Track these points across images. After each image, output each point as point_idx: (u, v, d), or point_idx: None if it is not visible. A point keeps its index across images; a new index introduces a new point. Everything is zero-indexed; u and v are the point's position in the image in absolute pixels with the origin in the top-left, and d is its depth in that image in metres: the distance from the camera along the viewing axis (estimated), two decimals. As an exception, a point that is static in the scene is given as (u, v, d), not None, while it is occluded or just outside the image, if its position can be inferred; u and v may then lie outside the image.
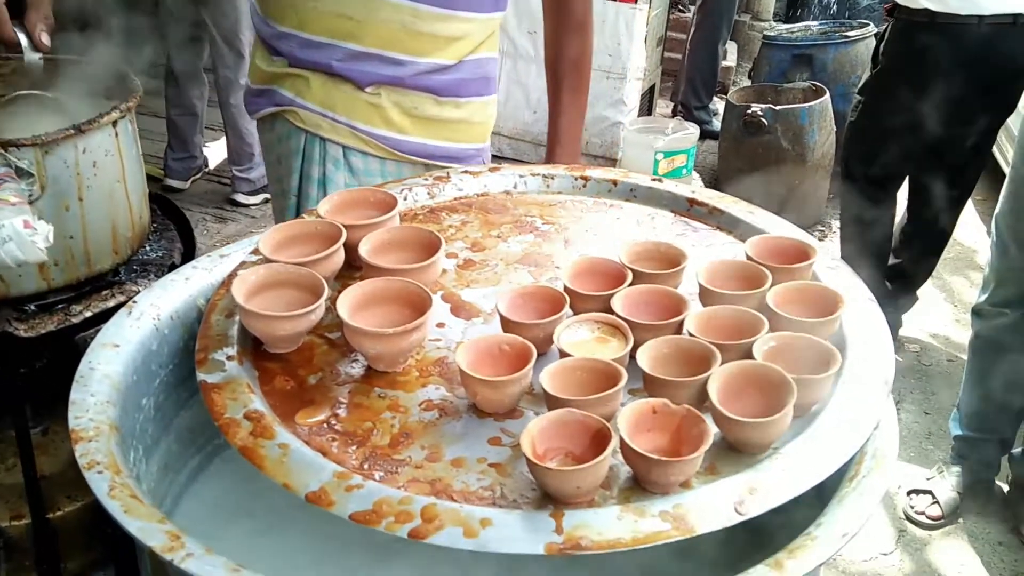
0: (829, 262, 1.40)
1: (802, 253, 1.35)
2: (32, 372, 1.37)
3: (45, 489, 1.45)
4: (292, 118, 1.87)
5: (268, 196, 5.15)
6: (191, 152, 4.95)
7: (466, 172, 1.61)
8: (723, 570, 1.13)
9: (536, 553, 0.90)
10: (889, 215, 3.96)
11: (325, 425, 1.08)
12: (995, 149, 4.80)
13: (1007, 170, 3.08)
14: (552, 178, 1.61)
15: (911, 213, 3.96)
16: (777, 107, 5.15)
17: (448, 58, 1.87)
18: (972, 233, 5.28)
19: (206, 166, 5.25)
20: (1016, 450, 3.21)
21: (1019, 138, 2.95)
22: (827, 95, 5.23)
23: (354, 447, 1.04)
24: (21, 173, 1.16)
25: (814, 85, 5.45)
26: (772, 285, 1.26)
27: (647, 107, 5.95)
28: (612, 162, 5.45)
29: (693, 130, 5.20)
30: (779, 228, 1.48)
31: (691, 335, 1.17)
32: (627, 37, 5.14)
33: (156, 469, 1.20)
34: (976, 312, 3.11)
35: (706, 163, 5.97)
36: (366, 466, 1.01)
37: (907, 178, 3.90)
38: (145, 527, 0.87)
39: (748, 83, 6.51)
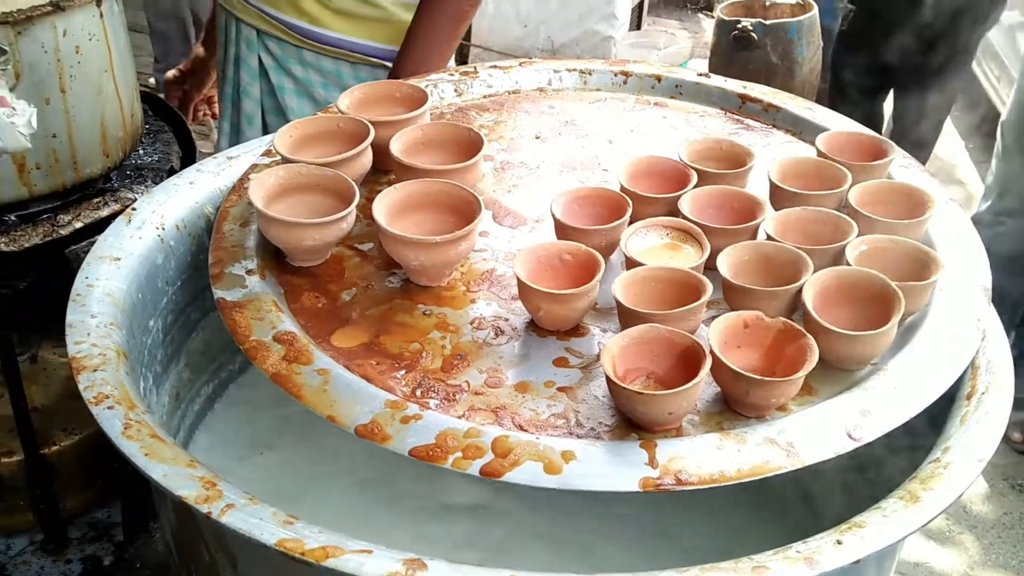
0: (902, 160, 1.27)
1: (879, 150, 1.22)
2: (15, 292, 1.21)
3: (38, 422, 1.30)
4: None
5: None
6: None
7: (495, 67, 1.45)
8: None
9: (629, 490, 0.78)
10: (877, 125, 3.92)
11: (366, 347, 0.94)
12: (986, 84, 4.86)
13: (1001, 110, 3.04)
14: (590, 73, 1.45)
15: (896, 123, 3.94)
16: (766, 22, 5.01)
17: None
18: (951, 148, 5.23)
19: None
20: None
21: None
22: (815, 9, 5.10)
23: (402, 372, 0.91)
24: (-4, 53, 0.98)
25: (802, 0, 5.31)
26: (851, 185, 1.13)
27: (636, 22, 5.77)
28: (605, 76, 5.24)
29: (685, 44, 5.03)
30: (842, 125, 1.34)
31: (771, 239, 1.04)
32: (618, -51, 4.93)
33: (168, 400, 1.06)
34: (975, 221, 3.03)
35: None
36: (418, 393, 0.88)
37: (892, 90, 3.85)
38: (172, 472, 0.73)
39: (737, -2, 6.31)
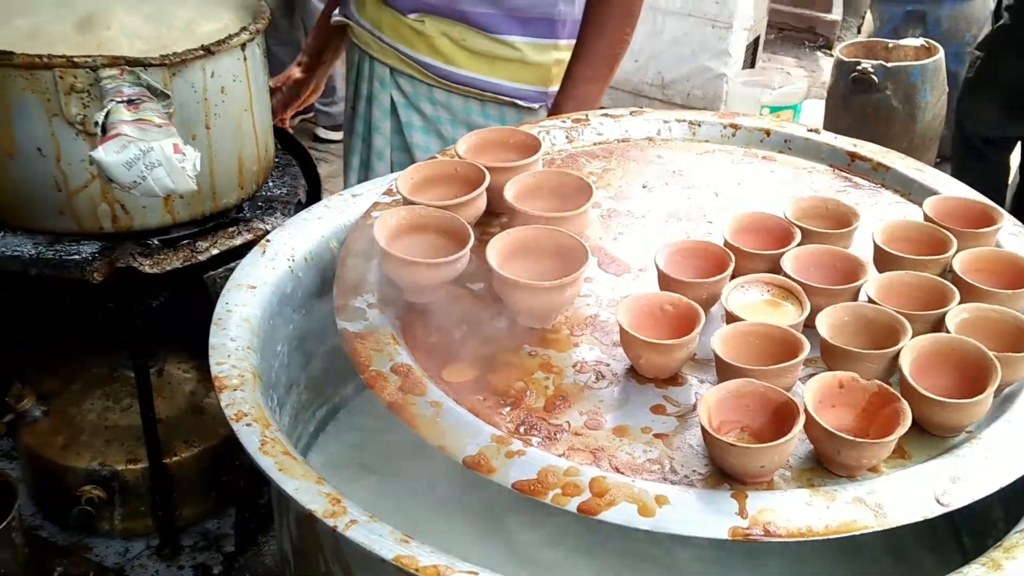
0: (1011, 228, 1.27)
1: (987, 217, 1.22)
2: (149, 310, 1.32)
3: (161, 433, 1.40)
4: (352, 32, 1.90)
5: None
6: None
7: (606, 115, 1.50)
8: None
9: (719, 537, 0.82)
10: (1003, 178, 3.78)
11: (475, 383, 1.00)
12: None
13: None
14: (699, 125, 1.49)
15: (1023, 177, 3.79)
16: (888, 64, 4.90)
17: None
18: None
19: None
20: None
21: None
22: (941, 53, 4.95)
23: (507, 408, 0.96)
24: (156, 93, 1.09)
25: (927, 43, 5.17)
26: (956, 251, 1.13)
27: (750, 60, 5.73)
28: (713, 115, 5.24)
29: (800, 84, 4.97)
30: (951, 188, 1.35)
31: (872, 302, 1.06)
32: (734, -14, 4.93)
33: (287, 420, 1.14)
34: None
35: (809, 120, 5.73)
36: (522, 430, 0.93)
37: (1021, 142, 3.73)
38: (302, 488, 0.80)
39: (856, 39, 6.21)
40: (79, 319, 1.47)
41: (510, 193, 1.19)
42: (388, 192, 1.29)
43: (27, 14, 1.31)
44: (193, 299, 1.26)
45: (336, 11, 1.95)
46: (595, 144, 1.47)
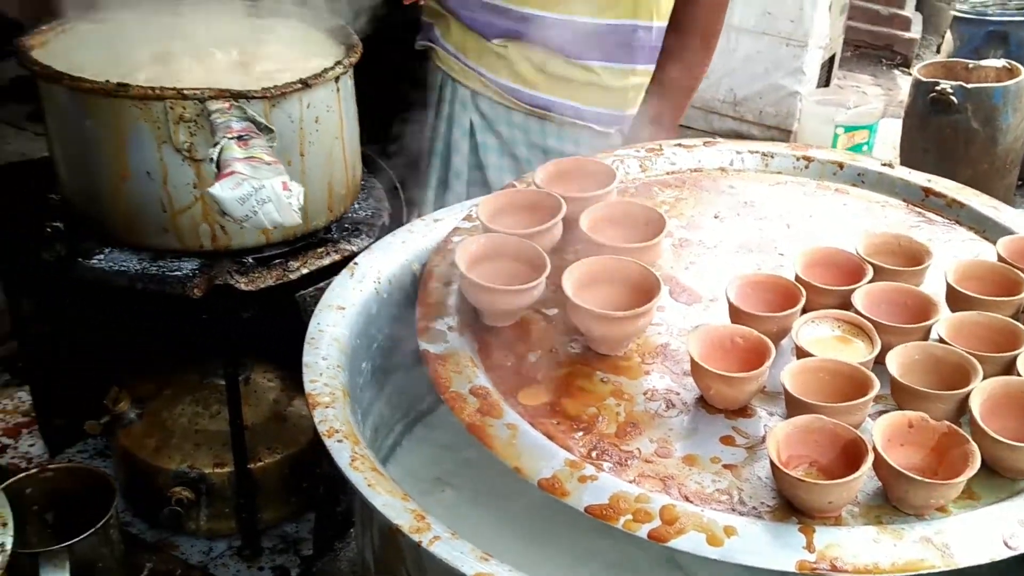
0: (1089, 268, 1.26)
1: (1064, 257, 1.22)
2: (240, 323, 1.39)
3: (246, 439, 1.48)
4: (435, 56, 1.97)
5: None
6: None
7: (679, 145, 1.54)
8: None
9: (786, 570, 0.84)
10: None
11: (549, 407, 1.04)
12: None
13: None
14: (772, 156, 1.52)
15: None
16: (968, 85, 4.80)
17: (579, 14, 1.82)
18: None
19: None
20: None
21: None
22: (1023, 75, 4.84)
23: (580, 433, 1.00)
24: (261, 128, 1.16)
25: (1009, 64, 5.04)
26: (1031, 292, 1.14)
27: (825, 78, 5.67)
28: (787, 133, 5.22)
29: (877, 104, 4.90)
30: (1027, 226, 1.35)
31: (943, 342, 1.07)
32: (811, 3, 4.88)
33: (370, 433, 1.20)
34: None
35: (885, 141, 5.64)
36: (594, 455, 0.97)
37: None
38: (390, 503, 0.85)
39: (935, 58, 6.09)
40: (175, 329, 1.56)
41: (585, 223, 1.23)
42: (467, 218, 1.35)
43: (129, 51, 1.41)
44: (281, 314, 1.33)
45: (418, 37, 2.02)
46: (668, 173, 1.50)
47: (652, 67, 1.95)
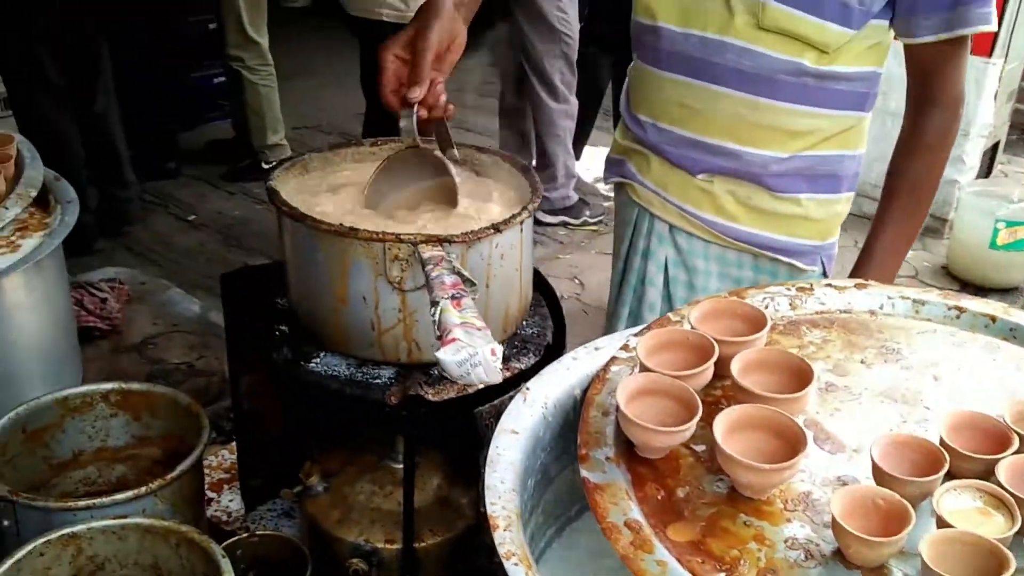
0: None
1: None
2: (422, 422, 1.56)
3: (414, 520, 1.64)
4: (631, 191, 2.05)
5: (566, 219, 5.52)
6: None
7: (830, 286, 1.62)
8: None
9: None
10: None
11: (695, 545, 1.15)
12: None
13: None
14: (923, 304, 1.58)
15: None
16: None
17: (786, 151, 1.87)
18: None
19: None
20: None
21: None
22: None
23: (722, 575, 1.10)
24: (464, 280, 1.34)
25: None
26: None
27: (988, 164, 5.52)
28: (942, 223, 5.10)
29: (1043, 198, 4.75)
30: None
31: (1085, 522, 1.11)
32: (975, 91, 4.79)
33: (527, 539, 1.34)
34: None
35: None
36: (734, 598, 1.07)
37: None
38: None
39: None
40: (371, 424, 1.76)
41: (736, 368, 1.33)
42: (624, 347, 1.47)
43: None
44: (455, 419, 1.50)
45: (605, 173, 2.13)
46: (817, 313, 1.58)
47: (853, 193, 2.01)
